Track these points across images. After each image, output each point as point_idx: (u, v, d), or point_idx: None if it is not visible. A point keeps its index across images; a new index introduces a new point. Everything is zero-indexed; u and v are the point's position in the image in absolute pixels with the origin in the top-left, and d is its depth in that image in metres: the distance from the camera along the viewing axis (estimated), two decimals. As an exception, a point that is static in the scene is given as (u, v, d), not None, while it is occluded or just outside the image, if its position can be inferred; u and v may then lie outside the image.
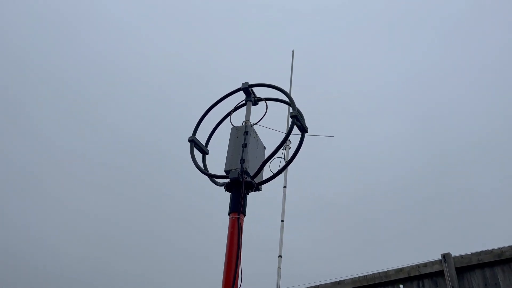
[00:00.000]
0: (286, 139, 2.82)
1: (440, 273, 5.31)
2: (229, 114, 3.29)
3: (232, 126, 3.11)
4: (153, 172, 19.65)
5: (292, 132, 2.88)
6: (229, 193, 2.80)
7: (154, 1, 22.11)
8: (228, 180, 2.79)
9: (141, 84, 21.05)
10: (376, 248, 15.93)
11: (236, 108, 3.31)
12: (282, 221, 6.27)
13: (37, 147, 19.15)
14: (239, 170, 2.74)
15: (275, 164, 3.13)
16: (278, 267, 5.86)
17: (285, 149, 6.61)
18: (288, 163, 2.84)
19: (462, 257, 5.26)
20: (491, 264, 5.07)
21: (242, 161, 2.80)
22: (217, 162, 3.14)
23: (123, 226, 18.25)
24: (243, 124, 3.10)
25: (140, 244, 17.83)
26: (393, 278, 5.59)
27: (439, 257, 5.36)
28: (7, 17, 19.79)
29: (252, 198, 2.84)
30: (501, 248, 5.06)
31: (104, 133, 20.24)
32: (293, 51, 8.00)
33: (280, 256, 5.96)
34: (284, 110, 7.28)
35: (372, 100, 20.64)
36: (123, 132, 20.18)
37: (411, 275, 5.48)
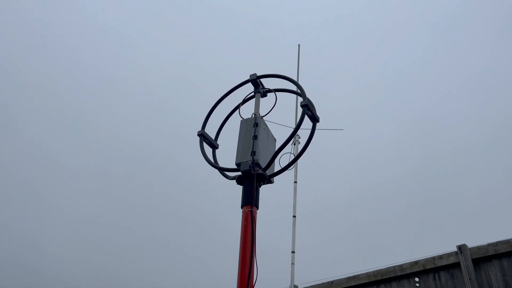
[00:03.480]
0: (297, 128, 2.75)
1: (457, 265, 5.22)
2: (237, 107, 3.23)
3: (242, 119, 3.06)
4: (156, 177, 19.65)
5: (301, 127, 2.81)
6: (240, 188, 2.75)
7: (153, 5, 22.15)
8: (239, 173, 2.74)
9: (140, 90, 21.13)
10: (388, 244, 15.81)
11: (245, 100, 3.25)
12: (294, 216, 6.21)
13: (34, 155, 19.13)
14: (250, 162, 2.70)
15: (284, 159, 3.08)
16: (292, 263, 5.81)
17: (294, 144, 6.54)
18: (300, 153, 2.78)
19: (478, 248, 5.16)
20: (508, 254, 4.96)
21: (253, 153, 2.75)
22: (227, 158, 3.08)
23: (125, 231, 18.22)
24: (253, 116, 3.04)
25: (143, 248, 17.81)
26: (408, 271, 5.50)
27: (455, 249, 5.27)
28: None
29: (262, 197, 2.77)
30: (518, 238, 4.96)
31: (103, 140, 20.25)
32: (299, 45, 7.92)
33: (293, 252, 5.91)
34: (293, 104, 7.19)
35: (370, 100, 20.57)
36: (121, 138, 20.16)
37: (427, 267, 5.38)
